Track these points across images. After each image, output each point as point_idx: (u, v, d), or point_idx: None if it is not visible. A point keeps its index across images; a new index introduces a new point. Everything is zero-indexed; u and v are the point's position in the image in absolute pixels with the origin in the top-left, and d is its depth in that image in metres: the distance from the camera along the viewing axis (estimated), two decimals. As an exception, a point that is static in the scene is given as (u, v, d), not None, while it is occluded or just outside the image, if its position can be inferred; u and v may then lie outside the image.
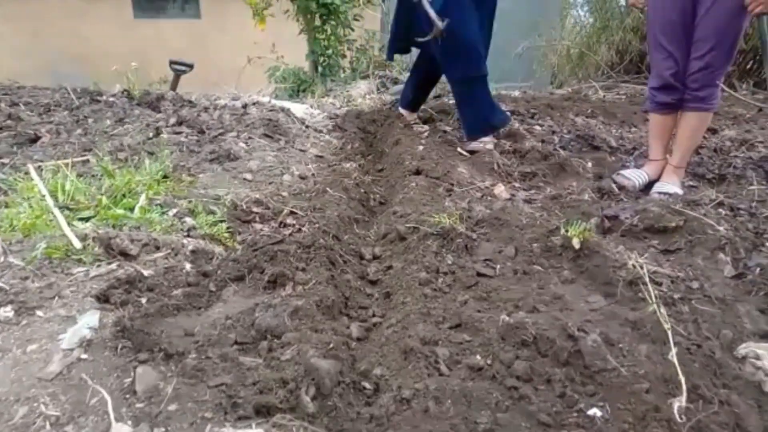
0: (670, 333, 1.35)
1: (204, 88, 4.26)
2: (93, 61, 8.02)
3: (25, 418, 0.97)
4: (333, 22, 5.18)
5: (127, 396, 1.02)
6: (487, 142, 3.13)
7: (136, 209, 1.73)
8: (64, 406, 0.99)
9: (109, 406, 0.97)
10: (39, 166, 2.13)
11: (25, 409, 0.98)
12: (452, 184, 2.53)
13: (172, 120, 2.91)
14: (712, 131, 3.78)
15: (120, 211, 1.68)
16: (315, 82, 5.09)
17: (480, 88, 3.11)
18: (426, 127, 3.53)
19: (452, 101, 4.04)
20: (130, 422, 0.96)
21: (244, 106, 3.44)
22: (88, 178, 2.02)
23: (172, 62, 4.26)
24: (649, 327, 1.41)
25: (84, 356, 1.09)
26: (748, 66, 6.30)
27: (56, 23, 8.87)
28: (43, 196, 1.79)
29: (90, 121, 2.91)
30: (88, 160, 2.28)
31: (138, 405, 1.00)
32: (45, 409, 0.98)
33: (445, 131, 3.50)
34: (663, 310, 1.46)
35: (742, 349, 1.43)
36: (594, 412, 1.19)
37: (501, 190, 2.36)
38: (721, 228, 1.99)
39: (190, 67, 4.31)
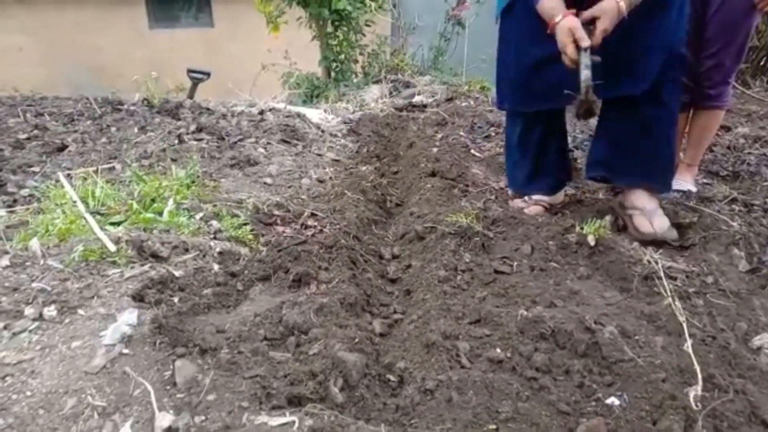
0: (685, 325, 1.39)
1: (220, 96, 4.35)
2: (109, 71, 8.20)
3: (74, 408, 1.04)
4: (345, 28, 5.26)
5: (168, 387, 1.08)
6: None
7: (165, 213, 1.80)
8: (109, 397, 1.06)
9: (152, 396, 1.03)
10: (68, 174, 2.21)
11: (73, 401, 1.05)
12: (467, 185, 2.57)
13: (192, 127, 3.00)
14: (726, 129, 3.78)
15: (150, 215, 1.75)
16: (328, 88, 5.18)
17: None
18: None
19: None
20: (171, 411, 1.02)
21: (261, 113, 3.52)
22: (117, 185, 2.10)
23: (189, 70, 4.35)
24: (665, 320, 1.45)
25: (125, 351, 1.16)
26: (762, 63, 6.27)
27: (73, 35, 9.07)
28: (75, 202, 1.87)
29: (113, 129, 3.00)
30: (114, 168, 2.36)
31: (179, 395, 1.06)
32: (92, 400, 1.05)
33: (459, 134, 3.54)
34: (678, 303, 1.50)
35: (757, 340, 1.46)
36: (612, 401, 1.23)
37: (517, 199, 2.33)
38: (734, 224, 2.02)
39: (208, 75, 4.40)
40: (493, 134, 3.56)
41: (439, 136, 3.46)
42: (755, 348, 1.43)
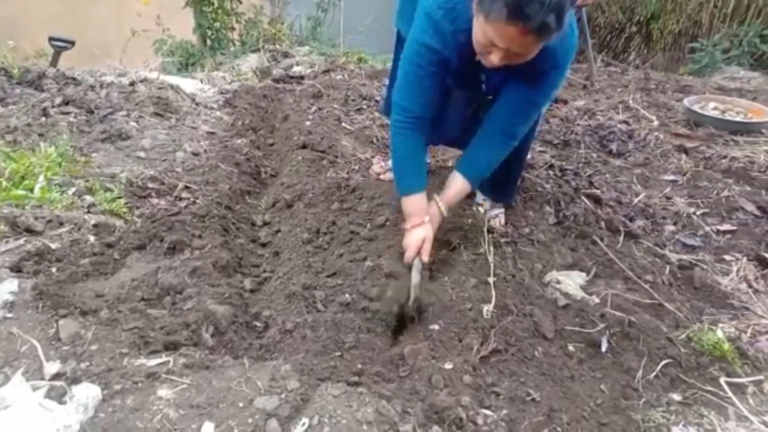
0: (492, 267, 1.78)
1: (86, 63, 4.16)
2: (-49, 29, 7.31)
3: (-38, 367, 1.17)
4: (219, -5, 5.19)
5: (53, 342, 1.24)
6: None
7: (36, 189, 1.86)
8: (-3, 356, 1.20)
9: (39, 350, 1.19)
10: None
11: (-39, 361, 1.18)
12: (336, 156, 2.83)
13: (58, 100, 2.94)
14: (564, 102, 4.36)
15: (21, 192, 1.81)
16: (204, 56, 5.12)
17: None
18: None
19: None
20: (58, 361, 1.19)
21: (132, 84, 3.49)
22: (-21, 162, 2.09)
23: (51, 39, 4.11)
24: (479, 264, 1.83)
25: (9, 315, 1.29)
26: (607, 39, 7.16)
27: None
28: (-65, 180, 1.87)
29: (-33, 102, 2.86)
30: (-27, 144, 2.31)
31: (64, 348, 1.23)
32: (-20, 359, 1.18)
33: (333, 107, 3.76)
34: (491, 250, 1.88)
35: (548, 277, 1.89)
36: (434, 326, 1.58)
37: (376, 164, 2.66)
38: (548, 186, 2.47)
39: (72, 43, 4.18)
40: (365, 107, 3.83)
41: (314, 108, 3.65)
42: (546, 283, 1.86)
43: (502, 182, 2.15)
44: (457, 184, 1.86)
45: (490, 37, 1.45)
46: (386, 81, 3.49)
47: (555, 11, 1.33)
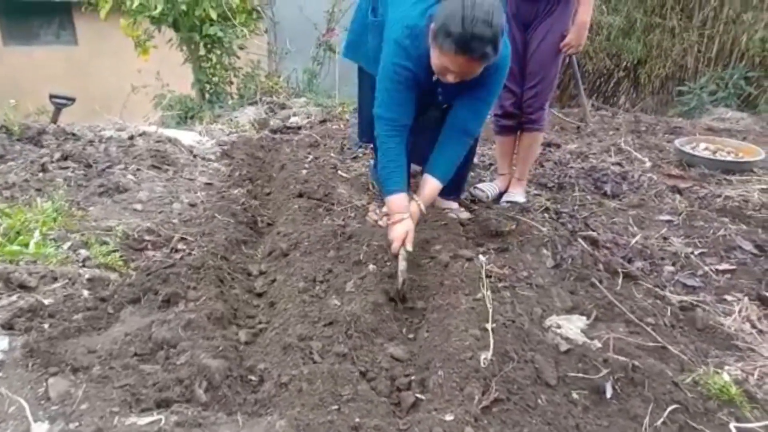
0: (491, 312, 1.75)
1: (86, 119, 4.24)
2: (-44, 90, 7.49)
3: (-53, 430, 1.13)
4: (218, 51, 5.35)
5: (42, 402, 1.21)
6: None
7: (31, 245, 1.86)
8: (-17, 418, 1.16)
9: (27, 410, 1.16)
10: None
11: (-54, 424, 1.14)
12: (332, 204, 2.84)
13: (57, 155, 2.97)
14: (557, 146, 4.42)
15: (16, 248, 1.80)
16: (203, 109, 5.23)
17: None
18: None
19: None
20: (47, 422, 1.15)
21: (131, 138, 3.54)
22: (-24, 218, 2.09)
23: (52, 96, 4.20)
24: (479, 310, 1.81)
25: (-2, 375, 1.26)
26: (597, 84, 7.38)
27: None
28: (-70, 238, 1.86)
29: (-34, 159, 2.89)
30: (-30, 200, 2.32)
31: (53, 407, 1.19)
32: (-35, 422, 1.15)
33: (329, 155, 3.81)
34: (489, 295, 1.86)
35: (548, 321, 1.87)
36: (435, 379, 1.54)
37: (371, 212, 2.70)
38: (544, 229, 2.48)
39: (72, 100, 4.27)
40: (360, 155, 3.88)
41: (311, 157, 3.70)
42: (546, 327, 1.83)
43: (455, 182, 2.59)
44: (431, 184, 2.26)
45: (445, 64, 1.89)
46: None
47: (492, 43, 1.81)
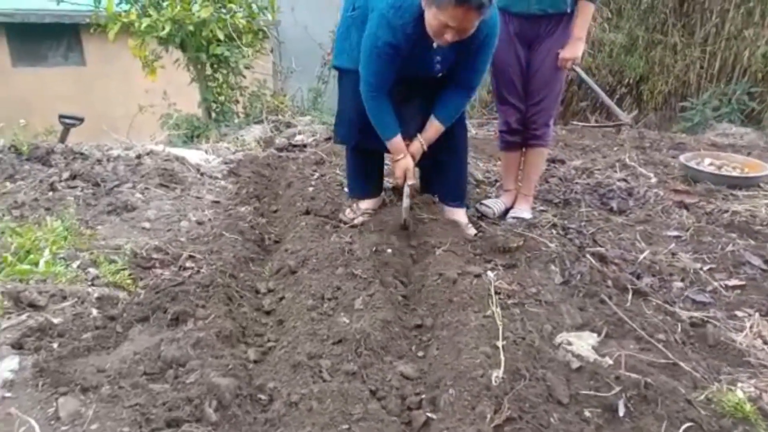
0: (500, 330, 1.74)
1: (95, 138, 4.29)
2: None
3: (-42, 451, 1.13)
4: (224, 71, 5.41)
5: (52, 422, 1.20)
6: None
7: (41, 264, 1.87)
8: (-7, 438, 1.16)
9: (37, 431, 1.15)
10: (-70, 228, 2.17)
11: (-44, 445, 1.14)
12: (339, 221, 2.85)
13: (66, 174, 3.00)
14: (561, 162, 4.43)
15: (26, 267, 1.81)
16: (209, 128, 5.27)
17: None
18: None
19: None
20: (57, 442, 1.15)
21: (138, 157, 3.57)
22: (-13, 238, 2.10)
23: (61, 116, 4.25)
24: (489, 327, 1.80)
25: (8, 395, 1.25)
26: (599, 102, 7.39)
27: None
28: (-59, 257, 1.87)
29: (-24, 179, 2.92)
30: (-20, 220, 2.34)
31: (63, 428, 1.19)
32: (-25, 443, 1.14)
33: (336, 172, 3.83)
34: (499, 312, 1.86)
35: (558, 338, 1.85)
36: (446, 397, 1.53)
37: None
38: (552, 245, 2.47)
39: (81, 120, 4.32)
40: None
41: (317, 175, 3.72)
42: (556, 345, 1.82)
43: (457, 186, 2.84)
44: (435, 125, 2.53)
45: (443, 20, 2.04)
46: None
47: None
